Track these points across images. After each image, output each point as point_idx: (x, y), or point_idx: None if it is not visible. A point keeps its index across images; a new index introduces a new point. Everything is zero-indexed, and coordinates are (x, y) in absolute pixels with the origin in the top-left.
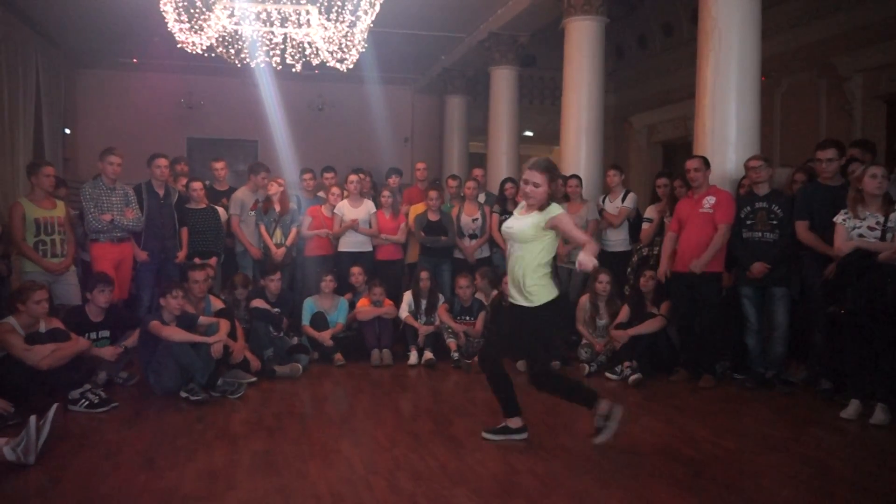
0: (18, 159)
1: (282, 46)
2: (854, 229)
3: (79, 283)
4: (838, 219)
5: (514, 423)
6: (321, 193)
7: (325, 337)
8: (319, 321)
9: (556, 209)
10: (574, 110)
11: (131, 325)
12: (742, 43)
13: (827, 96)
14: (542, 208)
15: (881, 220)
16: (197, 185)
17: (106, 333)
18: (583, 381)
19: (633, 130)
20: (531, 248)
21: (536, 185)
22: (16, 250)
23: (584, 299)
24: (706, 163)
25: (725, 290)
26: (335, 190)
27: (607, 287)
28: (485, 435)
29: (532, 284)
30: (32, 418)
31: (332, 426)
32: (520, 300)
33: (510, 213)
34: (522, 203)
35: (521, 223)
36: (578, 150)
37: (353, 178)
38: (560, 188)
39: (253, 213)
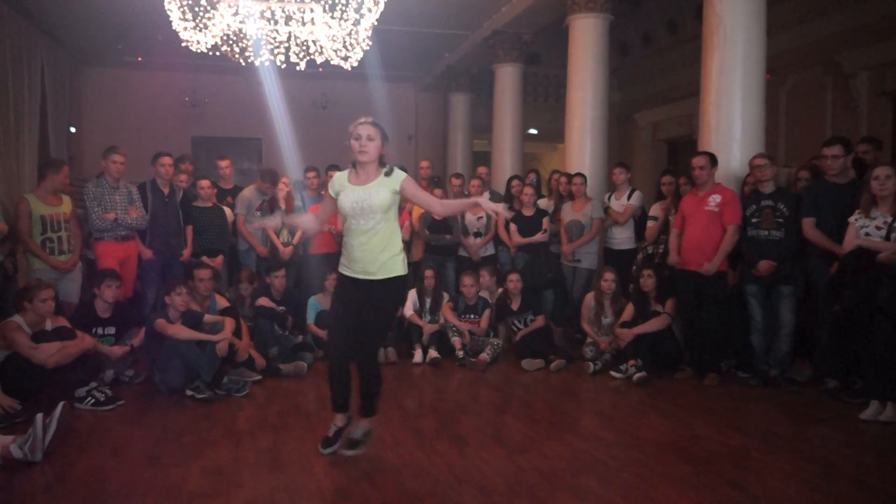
0: (24, 157)
1: (286, 45)
2: (862, 228)
3: (81, 281)
4: (852, 218)
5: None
6: (325, 192)
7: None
8: (324, 319)
9: (401, 173)
10: (578, 108)
11: (136, 323)
12: (747, 40)
13: (832, 93)
14: (387, 174)
15: (889, 219)
16: (204, 183)
17: (112, 330)
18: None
19: (637, 128)
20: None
21: (371, 139)
22: (22, 247)
23: (590, 297)
24: (713, 160)
25: (731, 288)
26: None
27: (612, 285)
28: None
29: (393, 256)
30: (39, 416)
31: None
32: (377, 274)
33: (515, 212)
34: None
35: (373, 192)
36: (583, 147)
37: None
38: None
39: (259, 213)
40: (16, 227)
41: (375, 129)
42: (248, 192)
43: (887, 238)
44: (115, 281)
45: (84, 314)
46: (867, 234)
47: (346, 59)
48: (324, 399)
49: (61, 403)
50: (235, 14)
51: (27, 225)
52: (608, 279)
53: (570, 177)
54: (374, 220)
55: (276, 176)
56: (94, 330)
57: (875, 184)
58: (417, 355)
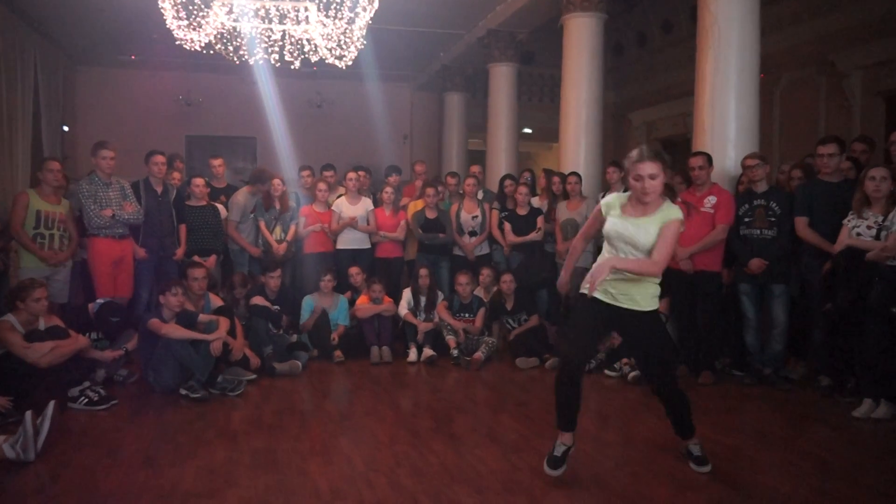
0: (17, 157)
1: (280, 43)
2: (854, 228)
3: (69, 282)
4: (846, 218)
5: (567, 438)
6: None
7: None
8: (321, 319)
9: (674, 210)
10: (573, 107)
11: (131, 325)
12: (741, 40)
13: (826, 93)
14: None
15: (880, 219)
16: (199, 181)
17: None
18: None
19: (632, 127)
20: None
21: (653, 177)
22: (13, 236)
23: None
24: (710, 160)
25: (725, 288)
26: (322, 186)
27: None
28: (549, 471)
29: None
30: (28, 414)
31: (331, 423)
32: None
33: (509, 211)
34: (614, 200)
35: (645, 229)
36: (578, 147)
37: (351, 175)
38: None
39: (252, 216)
40: (9, 218)
41: (660, 167)
42: (241, 197)
43: (877, 238)
44: (117, 317)
45: (76, 318)
46: (858, 234)
47: (340, 58)
48: (318, 398)
49: (52, 402)
50: (229, 12)
51: (21, 217)
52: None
53: (563, 176)
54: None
55: (264, 174)
56: (87, 334)
57: (870, 184)
58: (412, 354)
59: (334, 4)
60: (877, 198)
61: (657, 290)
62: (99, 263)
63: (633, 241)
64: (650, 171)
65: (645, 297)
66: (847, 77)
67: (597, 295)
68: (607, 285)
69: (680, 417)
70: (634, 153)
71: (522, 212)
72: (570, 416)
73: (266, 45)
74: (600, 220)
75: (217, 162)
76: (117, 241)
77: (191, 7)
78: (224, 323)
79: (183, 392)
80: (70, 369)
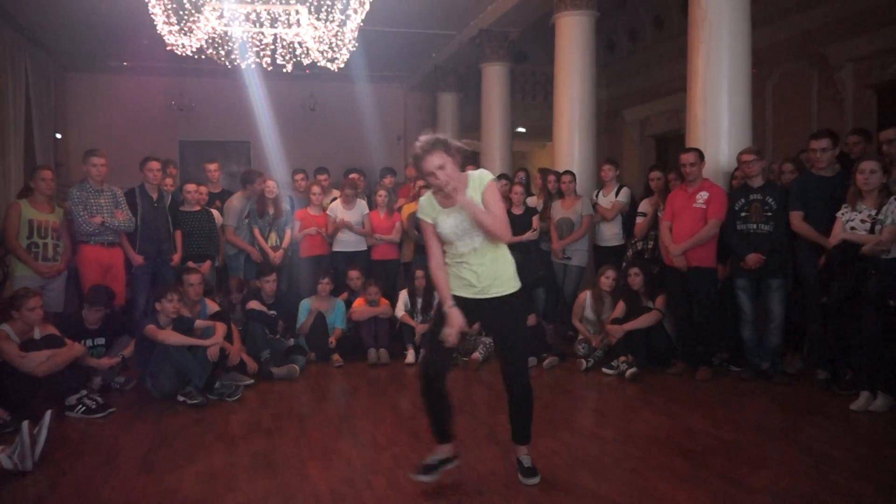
0: (9, 165)
1: (272, 47)
2: (848, 222)
3: (64, 290)
4: (839, 212)
5: (444, 451)
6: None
7: None
8: (318, 322)
9: (483, 174)
10: (566, 105)
11: (127, 332)
12: (732, 34)
13: (818, 86)
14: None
15: (873, 213)
16: (191, 186)
17: (101, 340)
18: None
19: (625, 124)
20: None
21: (441, 167)
22: (8, 248)
23: (585, 295)
24: (701, 156)
25: (721, 283)
26: (315, 189)
27: (613, 283)
28: (417, 477)
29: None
30: (25, 424)
31: (330, 426)
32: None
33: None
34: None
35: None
36: (571, 145)
37: (354, 177)
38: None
39: (247, 220)
40: (3, 231)
41: (441, 153)
42: (236, 202)
43: (871, 231)
44: (101, 306)
45: (72, 326)
46: (852, 228)
47: (332, 60)
48: (317, 401)
49: (49, 411)
50: (220, 17)
51: (15, 228)
52: (609, 277)
53: (558, 174)
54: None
55: (251, 174)
56: (83, 341)
57: (860, 177)
58: (410, 355)
59: (325, 7)
60: (866, 191)
61: (514, 266)
62: (88, 271)
63: (470, 225)
64: (437, 164)
65: (508, 278)
66: (839, 70)
67: (460, 293)
68: (471, 279)
69: (522, 419)
70: (416, 149)
71: (518, 211)
72: (440, 426)
73: (258, 48)
74: (433, 229)
75: (212, 166)
76: (106, 248)
77: (181, 12)
78: (221, 328)
79: (181, 398)
80: (67, 378)
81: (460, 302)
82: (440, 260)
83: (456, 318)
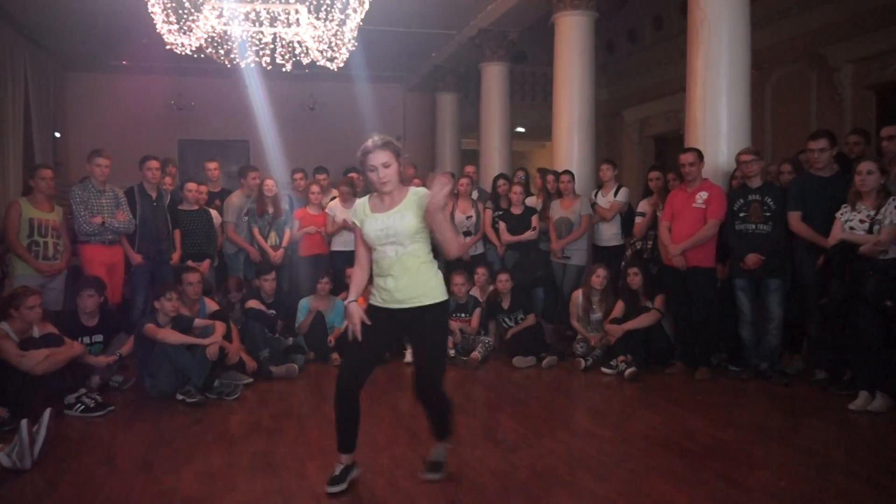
0: (8, 165)
1: (271, 46)
2: (847, 222)
3: (64, 289)
4: (839, 212)
5: (346, 459)
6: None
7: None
8: (317, 322)
9: (422, 190)
10: (565, 105)
11: (124, 329)
12: (732, 35)
13: (817, 87)
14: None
15: (872, 213)
16: (191, 185)
17: (99, 338)
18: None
19: (624, 125)
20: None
21: (386, 165)
22: (9, 247)
23: (578, 294)
24: (701, 156)
25: (720, 283)
26: (314, 188)
27: (603, 281)
28: (330, 489)
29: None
30: (24, 422)
31: (329, 426)
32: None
33: (504, 210)
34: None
35: (400, 216)
36: (570, 145)
37: (353, 176)
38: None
39: (246, 218)
40: (4, 229)
41: (391, 154)
42: (236, 198)
43: (870, 231)
44: (92, 290)
45: (69, 324)
46: (851, 228)
47: (331, 59)
48: (316, 400)
49: (48, 410)
50: (220, 16)
51: (15, 227)
52: (600, 276)
53: (557, 174)
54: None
55: (246, 170)
56: (80, 339)
57: (857, 178)
58: (409, 355)
59: (325, 6)
60: (864, 191)
61: (438, 277)
62: (91, 270)
63: (395, 233)
64: (382, 160)
65: (430, 289)
66: (838, 71)
67: (378, 304)
68: (391, 288)
69: (441, 419)
70: (367, 143)
71: (517, 211)
72: (346, 436)
73: (257, 47)
74: (360, 232)
75: (212, 165)
76: (107, 247)
77: (181, 11)
78: (220, 327)
79: (179, 397)
80: (65, 376)
81: (383, 313)
82: (363, 262)
83: (354, 312)
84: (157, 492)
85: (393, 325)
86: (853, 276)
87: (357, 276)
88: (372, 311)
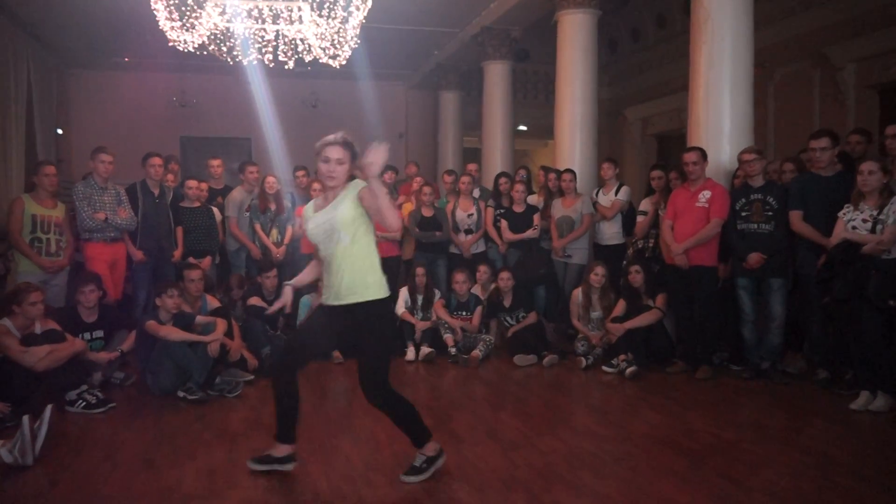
0: (11, 161)
1: (274, 43)
2: (849, 221)
3: (66, 285)
4: (841, 212)
5: (282, 450)
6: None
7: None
8: None
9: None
10: (568, 104)
11: (125, 325)
12: (735, 34)
13: (820, 86)
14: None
15: (874, 213)
16: (192, 183)
17: (100, 334)
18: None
19: (627, 123)
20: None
21: (340, 162)
22: (12, 243)
23: (577, 292)
24: (704, 155)
25: (722, 282)
26: (316, 185)
27: (602, 280)
28: (250, 464)
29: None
30: (26, 418)
31: (331, 424)
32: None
33: (506, 208)
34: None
35: (336, 207)
36: (573, 143)
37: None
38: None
39: (248, 214)
40: (7, 225)
41: (348, 154)
42: (237, 194)
43: (873, 231)
44: (92, 285)
45: (69, 320)
46: (854, 227)
47: (334, 57)
48: (317, 398)
49: (49, 406)
50: (222, 13)
51: (18, 223)
52: (598, 274)
53: (559, 173)
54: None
55: (244, 165)
56: (81, 335)
57: (859, 178)
58: (410, 353)
59: (327, 4)
60: (866, 191)
61: (379, 274)
62: (94, 267)
63: (331, 225)
64: (338, 156)
65: (370, 284)
66: (841, 70)
67: (324, 301)
68: (334, 286)
69: (409, 425)
70: (329, 136)
71: (519, 209)
72: (286, 425)
73: (260, 45)
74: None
75: (216, 162)
76: (109, 244)
77: (183, 8)
78: (221, 324)
79: (181, 394)
80: (67, 373)
81: (327, 310)
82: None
83: (286, 295)
84: (158, 488)
85: (336, 323)
86: (855, 275)
87: (311, 268)
88: (320, 309)
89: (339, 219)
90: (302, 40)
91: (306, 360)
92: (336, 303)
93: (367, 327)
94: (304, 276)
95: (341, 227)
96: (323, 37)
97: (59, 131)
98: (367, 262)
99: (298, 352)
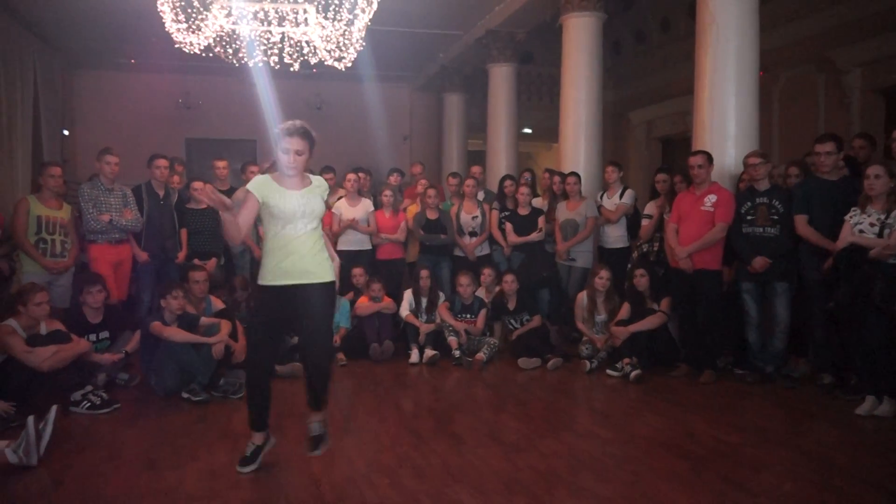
0: (17, 162)
1: (279, 45)
2: (856, 225)
3: (71, 286)
4: (848, 215)
5: (259, 438)
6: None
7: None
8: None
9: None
10: (572, 107)
11: (130, 326)
12: (740, 37)
13: (825, 90)
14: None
15: (882, 217)
16: (198, 184)
17: (106, 334)
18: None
19: (631, 126)
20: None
21: (300, 153)
22: (16, 244)
23: (582, 296)
24: (709, 159)
25: (726, 286)
26: None
27: (606, 283)
28: (240, 469)
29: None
30: (30, 419)
31: (333, 425)
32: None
33: (511, 211)
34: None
35: (312, 199)
36: (577, 146)
37: (350, 176)
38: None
39: None
40: (12, 226)
41: (307, 144)
42: (241, 193)
43: (880, 235)
44: (98, 286)
45: (75, 321)
46: (861, 231)
47: (339, 59)
48: None
49: (54, 407)
50: (228, 15)
51: (23, 223)
52: (603, 277)
53: (563, 176)
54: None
55: (245, 166)
56: (87, 336)
57: (866, 182)
58: (414, 355)
59: (333, 6)
60: (872, 195)
61: (330, 261)
62: (99, 269)
63: (311, 210)
64: (298, 147)
65: (324, 269)
66: (846, 74)
67: (269, 283)
68: (289, 265)
69: (321, 388)
70: (288, 124)
71: (524, 212)
72: (259, 415)
73: (265, 47)
74: (257, 205)
75: (221, 164)
76: (114, 245)
77: (189, 10)
78: (225, 326)
79: (185, 395)
80: (71, 373)
81: (273, 291)
82: (246, 220)
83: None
84: (161, 489)
85: (283, 303)
86: (861, 279)
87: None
88: (262, 291)
89: (318, 210)
90: (307, 42)
91: (274, 350)
92: (288, 282)
93: (318, 305)
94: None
95: (315, 217)
96: (328, 39)
97: (66, 132)
98: (322, 247)
99: (263, 346)
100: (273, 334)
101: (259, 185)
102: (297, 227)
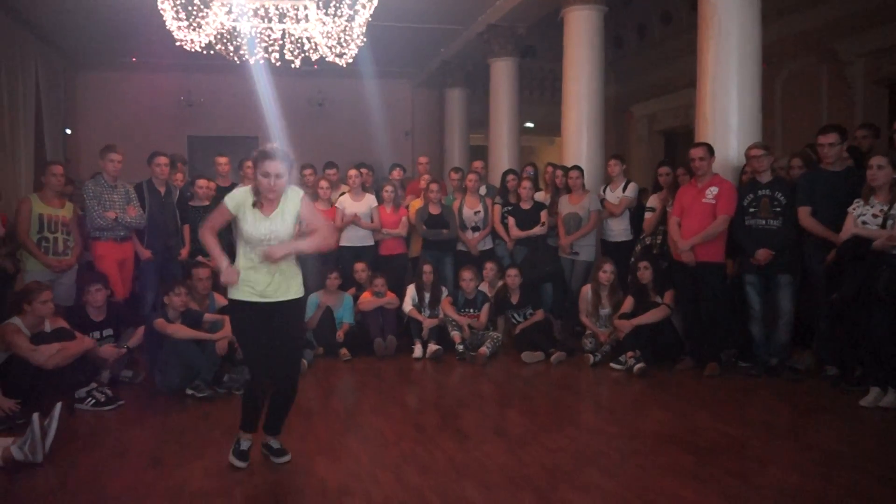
0: (20, 161)
1: (280, 42)
2: (860, 216)
3: (74, 284)
4: (851, 207)
5: (247, 438)
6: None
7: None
8: (326, 317)
9: (295, 190)
10: (574, 101)
11: (133, 323)
12: (742, 29)
13: (828, 82)
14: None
15: (885, 208)
16: (202, 182)
17: (109, 332)
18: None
19: (633, 120)
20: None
21: (279, 177)
22: (19, 243)
23: (587, 289)
24: (711, 151)
25: (729, 278)
26: (323, 183)
27: (611, 277)
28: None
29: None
30: (35, 416)
31: (338, 421)
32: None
33: (513, 205)
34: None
35: (281, 220)
36: (579, 140)
37: (353, 172)
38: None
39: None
40: (14, 226)
41: (286, 168)
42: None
43: (883, 226)
44: (100, 284)
45: (78, 319)
46: (864, 223)
47: (340, 55)
48: (324, 396)
49: (59, 404)
50: (229, 12)
51: (26, 223)
52: (607, 271)
53: (566, 170)
54: None
55: (242, 162)
56: (91, 334)
57: (869, 173)
58: (417, 350)
59: (333, 2)
60: (876, 186)
61: (300, 274)
62: (103, 266)
63: (276, 235)
64: (277, 171)
65: (297, 284)
66: (849, 65)
67: (249, 299)
68: (261, 285)
69: (283, 413)
70: (266, 148)
71: (526, 206)
72: (253, 420)
73: (266, 44)
74: (227, 216)
75: (223, 160)
76: (119, 243)
77: (190, 8)
78: (229, 322)
79: (189, 392)
80: (76, 371)
81: (248, 308)
82: (215, 229)
83: (233, 272)
84: (166, 486)
85: (261, 318)
86: (865, 271)
87: (212, 240)
88: (241, 306)
89: (285, 232)
90: (308, 39)
91: (267, 373)
92: (262, 300)
93: (289, 322)
94: (218, 249)
95: (284, 237)
96: (329, 35)
97: (68, 131)
98: (293, 263)
99: (264, 363)
100: (265, 350)
101: (237, 203)
102: (263, 249)
